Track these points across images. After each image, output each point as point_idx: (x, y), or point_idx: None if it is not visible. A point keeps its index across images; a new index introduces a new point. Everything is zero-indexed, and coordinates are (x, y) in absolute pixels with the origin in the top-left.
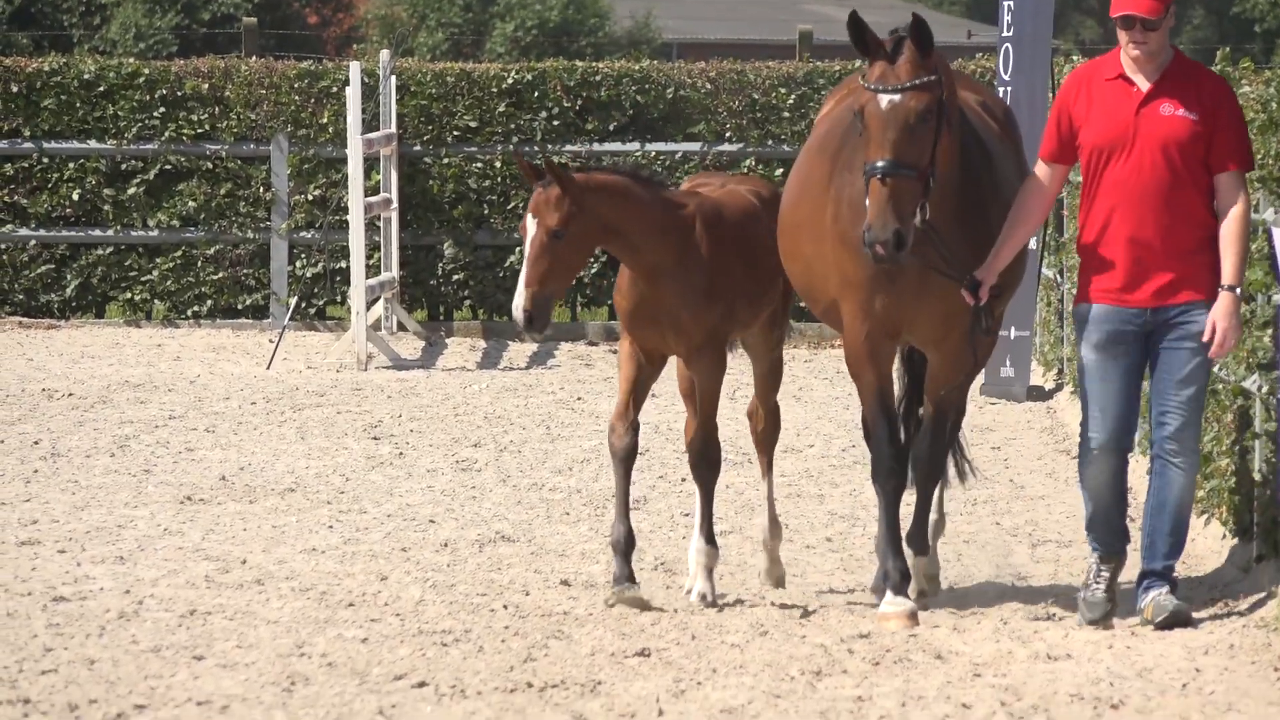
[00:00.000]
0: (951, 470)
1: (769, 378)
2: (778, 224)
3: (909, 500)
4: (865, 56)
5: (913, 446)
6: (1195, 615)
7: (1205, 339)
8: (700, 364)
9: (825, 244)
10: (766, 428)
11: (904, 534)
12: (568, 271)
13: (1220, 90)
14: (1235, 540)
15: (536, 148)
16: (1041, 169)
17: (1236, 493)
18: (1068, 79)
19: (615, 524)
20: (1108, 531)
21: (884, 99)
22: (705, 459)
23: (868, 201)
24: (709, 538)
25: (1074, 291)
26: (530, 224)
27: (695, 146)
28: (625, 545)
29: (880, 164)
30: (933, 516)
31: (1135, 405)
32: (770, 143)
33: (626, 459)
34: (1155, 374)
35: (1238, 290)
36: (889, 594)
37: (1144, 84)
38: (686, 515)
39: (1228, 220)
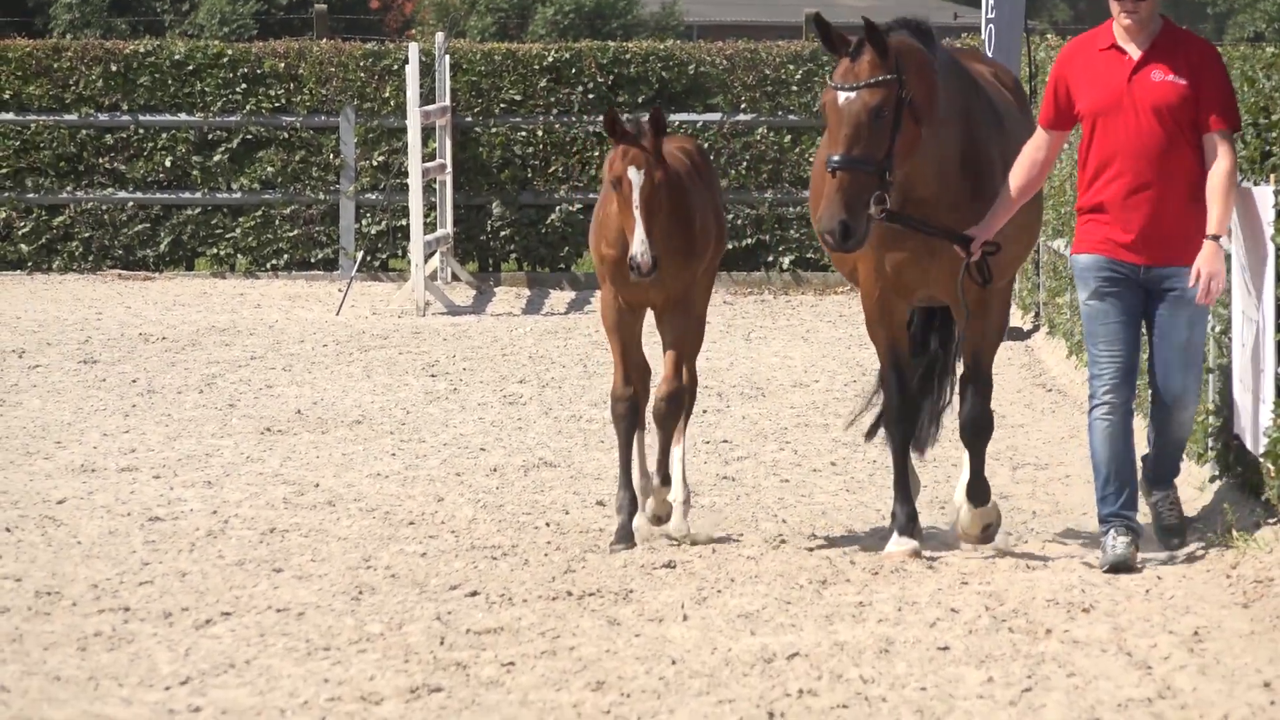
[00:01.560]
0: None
1: (696, 331)
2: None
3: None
4: (834, 54)
5: (960, 410)
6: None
7: (1190, 285)
8: (677, 315)
9: None
10: (688, 391)
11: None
12: (663, 217)
13: (1206, 55)
14: (1193, 463)
15: (573, 119)
16: (1040, 135)
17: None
18: (1063, 50)
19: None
20: (1123, 501)
21: (841, 96)
22: (670, 400)
23: None
24: (665, 478)
25: (1053, 244)
26: (636, 177)
27: (715, 117)
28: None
29: (834, 158)
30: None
31: (1136, 347)
32: (780, 113)
33: (633, 428)
34: (1155, 339)
35: (1221, 239)
36: (895, 535)
37: (1135, 52)
38: (709, 443)
39: (1213, 175)
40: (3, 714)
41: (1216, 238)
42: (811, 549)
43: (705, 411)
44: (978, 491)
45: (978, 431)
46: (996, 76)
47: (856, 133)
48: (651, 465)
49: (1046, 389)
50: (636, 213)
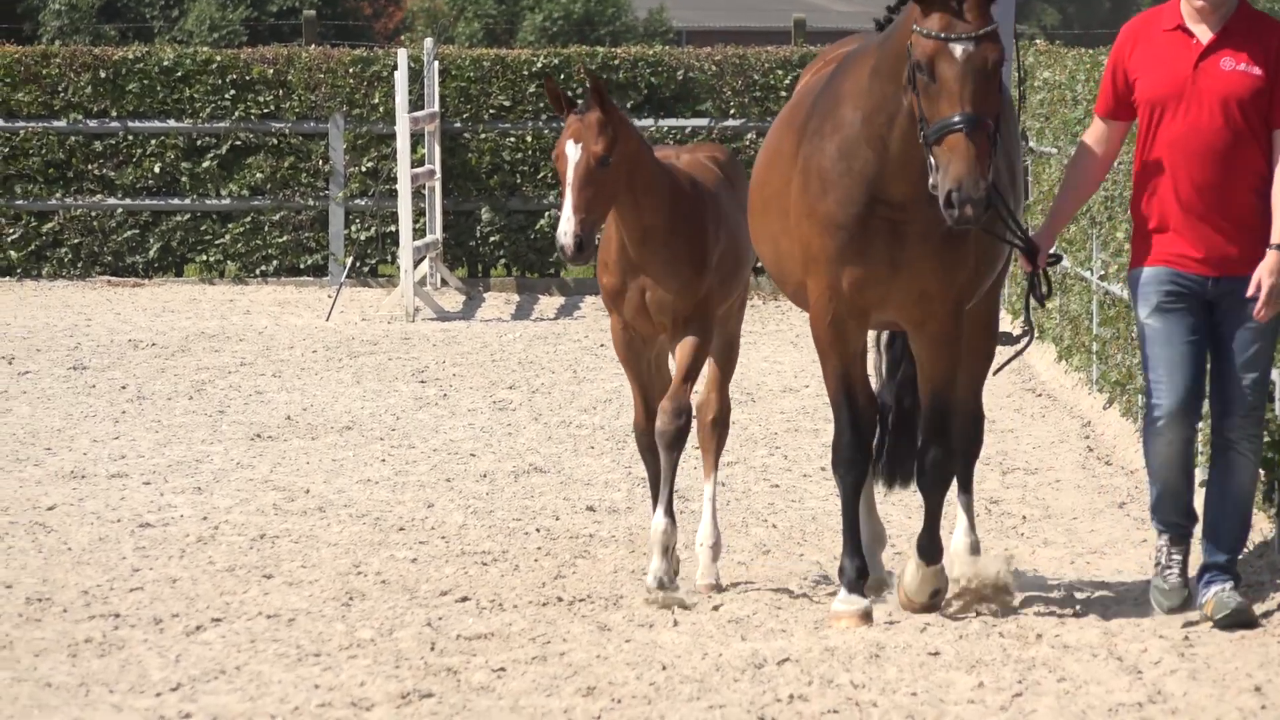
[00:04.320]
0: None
1: (724, 354)
2: (748, 203)
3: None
4: (923, 3)
5: (917, 451)
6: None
7: (1249, 295)
8: (686, 337)
9: (791, 219)
10: (716, 420)
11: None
12: (609, 201)
13: None
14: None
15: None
16: (1097, 126)
17: None
18: (1123, 29)
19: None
20: (1175, 511)
21: (957, 48)
22: (675, 421)
23: (940, 160)
24: (668, 510)
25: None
26: (572, 150)
27: (703, 122)
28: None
29: (958, 118)
30: (965, 540)
31: (1203, 369)
32: (769, 119)
33: (657, 457)
34: (1217, 355)
35: None
36: (843, 591)
37: (1204, 35)
38: (698, 448)
39: (1279, 178)
40: None
41: None
42: (802, 554)
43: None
44: (929, 546)
45: (934, 479)
46: None
47: (981, 88)
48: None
49: (1036, 394)
50: (568, 190)
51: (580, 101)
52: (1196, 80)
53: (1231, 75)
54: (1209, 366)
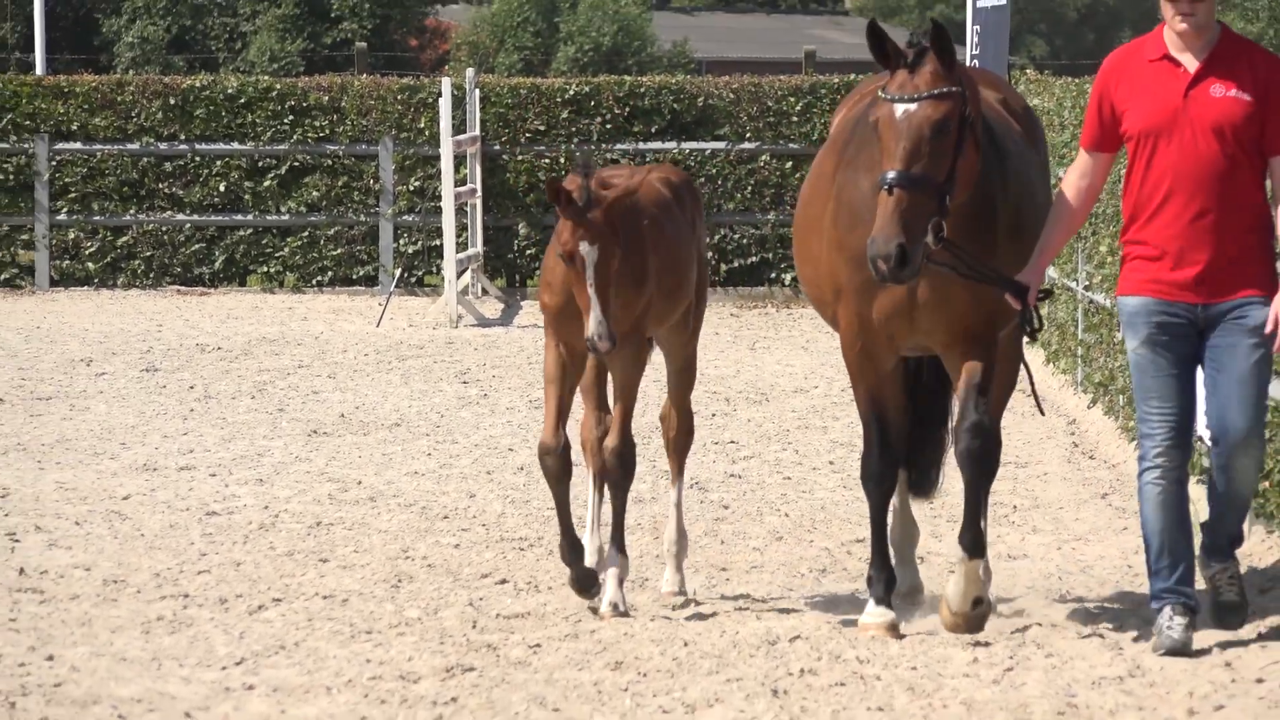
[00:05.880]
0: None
1: (683, 374)
2: (793, 225)
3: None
4: (885, 67)
5: (956, 443)
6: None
7: (1269, 331)
8: (621, 357)
9: (824, 246)
10: (679, 432)
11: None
12: None
13: (1275, 68)
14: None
15: (593, 146)
16: (1083, 159)
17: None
18: (1106, 62)
19: (562, 543)
20: (1178, 577)
21: (899, 108)
22: (621, 461)
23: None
24: (620, 547)
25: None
26: (590, 251)
27: (721, 145)
28: (574, 555)
29: (890, 175)
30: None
31: (1193, 398)
32: (781, 142)
33: (563, 480)
34: (1212, 374)
35: None
36: (870, 603)
37: (1191, 63)
38: (717, 443)
39: None
40: (73, 691)
41: None
42: (812, 541)
43: (714, 415)
44: (972, 540)
45: (977, 464)
46: (1005, 103)
47: (918, 148)
48: (602, 537)
49: (1025, 394)
50: (592, 291)
51: (582, 199)
52: (1188, 109)
53: (1222, 102)
54: (1206, 391)
